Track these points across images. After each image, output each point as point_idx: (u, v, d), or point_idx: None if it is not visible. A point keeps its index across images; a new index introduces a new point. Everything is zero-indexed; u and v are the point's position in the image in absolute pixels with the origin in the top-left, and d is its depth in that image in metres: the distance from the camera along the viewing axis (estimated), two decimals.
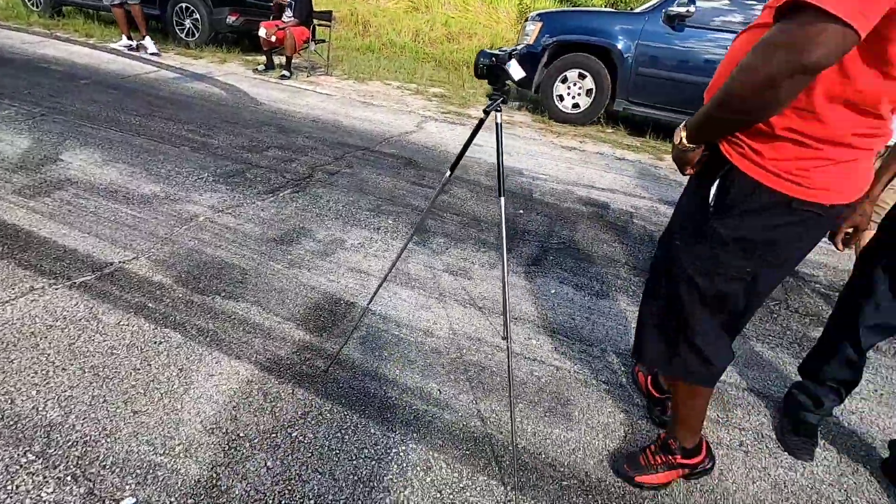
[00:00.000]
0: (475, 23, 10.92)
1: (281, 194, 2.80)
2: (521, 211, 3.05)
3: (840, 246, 1.35)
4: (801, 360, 2.01)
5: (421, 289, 2.13)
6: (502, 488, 1.33)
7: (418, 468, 1.35)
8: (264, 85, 5.26)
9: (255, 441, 1.35)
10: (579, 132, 5.13)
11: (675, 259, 1.14)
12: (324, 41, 6.13)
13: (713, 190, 1.02)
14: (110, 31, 6.76)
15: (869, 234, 1.55)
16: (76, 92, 4.11)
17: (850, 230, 1.35)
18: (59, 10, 7.21)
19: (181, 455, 1.28)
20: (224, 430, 1.37)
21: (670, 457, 1.37)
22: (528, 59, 5.30)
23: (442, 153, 3.86)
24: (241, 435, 1.36)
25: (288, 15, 5.59)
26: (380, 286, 1.61)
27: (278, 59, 6.03)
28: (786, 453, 1.58)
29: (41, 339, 1.58)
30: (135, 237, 2.20)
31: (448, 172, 1.39)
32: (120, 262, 2.02)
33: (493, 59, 1.12)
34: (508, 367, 1.34)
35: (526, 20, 5.59)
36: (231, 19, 6.07)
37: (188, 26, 6.33)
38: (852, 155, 0.92)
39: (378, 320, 1.90)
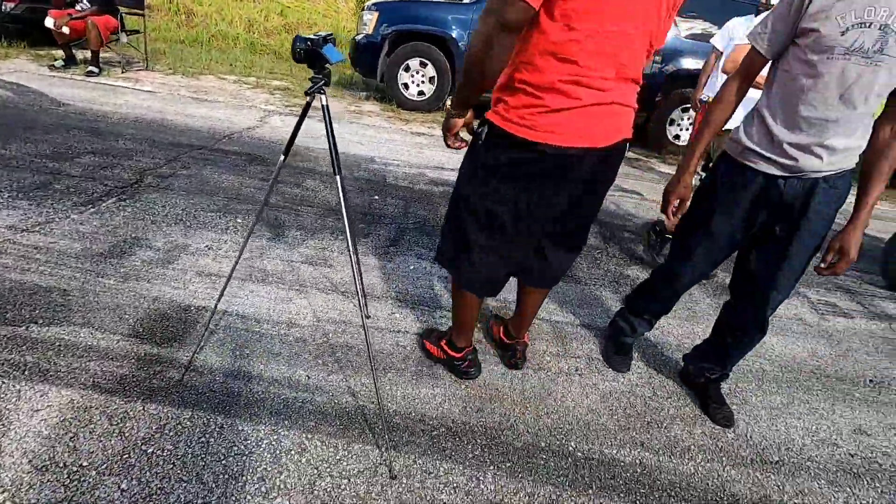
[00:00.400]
0: (314, 13, 10.58)
1: (104, 204, 2.49)
2: (377, 196, 3.12)
3: (670, 217, 1.55)
4: (621, 295, 2.42)
5: (280, 283, 2.10)
6: (377, 451, 1.41)
7: (292, 452, 1.36)
8: (67, 83, 4.52)
9: (103, 467, 1.24)
10: (427, 118, 5.35)
11: (459, 184, 1.45)
12: (138, 32, 5.45)
13: (483, 133, 1.30)
14: None
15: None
16: None
17: (678, 202, 1.53)
18: None
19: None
20: (61, 465, 1.23)
21: (443, 340, 1.74)
22: (370, 48, 5.36)
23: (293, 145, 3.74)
24: (85, 464, 1.24)
25: (83, 3, 4.83)
26: (226, 285, 1.56)
27: (82, 54, 5.21)
28: (610, 370, 1.92)
29: None
30: None
31: (282, 157, 1.40)
32: None
33: (309, 43, 1.16)
34: (366, 334, 1.41)
35: (363, 10, 5.62)
36: (8, 5, 5.07)
37: None
38: (565, 102, 1.16)
39: (236, 320, 1.83)
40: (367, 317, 1.98)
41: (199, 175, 3.00)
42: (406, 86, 5.45)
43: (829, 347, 2.31)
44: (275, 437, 1.40)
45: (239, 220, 2.55)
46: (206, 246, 2.27)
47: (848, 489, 1.55)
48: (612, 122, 1.25)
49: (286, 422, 1.45)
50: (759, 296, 1.53)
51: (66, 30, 4.64)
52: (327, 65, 1.20)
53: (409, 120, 5.17)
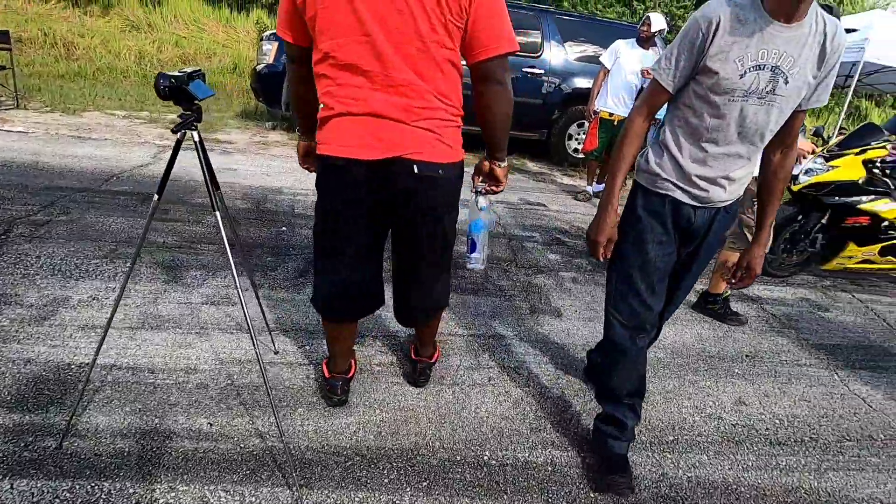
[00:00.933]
0: (213, 42, 10.23)
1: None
2: (284, 228, 3.05)
3: (601, 259, 1.48)
4: (528, 303, 2.53)
5: (177, 328, 1.97)
6: (288, 491, 1.36)
7: None
8: None
9: None
10: None
11: None
12: (4, 68, 4.95)
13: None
14: None
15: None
16: None
17: (606, 242, 1.44)
18: None
19: None
20: None
21: (326, 359, 1.75)
22: (271, 77, 5.27)
23: (189, 183, 3.56)
24: None
25: None
26: (104, 336, 1.44)
27: None
28: (521, 375, 1.99)
29: None
30: None
31: (155, 196, 1.34)
32: None
33: (173, 80, 1.14)
34: (261, 368, 1.37)
35: (261, 40, 5.53)
36: None
37: None
38: (323, 112, 1.28)
39: (125, 374, 1.69)
40: (276, 352, 1.92)
41: (81, 220, 2.76)
42: None
43: (711, 330, 2.58)
44: (172, 494, 1.31)
45: (129, 265, 2.37)
46: (91, 297, 2.09)
47: (731, 456, 1.72)
48: (375, 134, 1.23)
49: (185, 476, 1.36)
50: (667, 314, 1.62)
51: None
52: (196, 101, 1.17)
53: None
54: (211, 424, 1.54)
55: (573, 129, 5.85)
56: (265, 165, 4.30)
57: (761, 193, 1.47)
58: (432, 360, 1.88)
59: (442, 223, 1.42)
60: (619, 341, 1.51)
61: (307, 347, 1.97)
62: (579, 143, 5.90)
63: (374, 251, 1.49)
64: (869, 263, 3.32)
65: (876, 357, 2.56)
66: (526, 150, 6.22)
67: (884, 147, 3.13)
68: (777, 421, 1.94)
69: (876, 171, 3.09)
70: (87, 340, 1.83)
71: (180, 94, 1.14)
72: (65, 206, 2.91)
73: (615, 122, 4.32)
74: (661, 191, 1.40)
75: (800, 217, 3.33)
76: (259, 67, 5.36)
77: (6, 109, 4.95)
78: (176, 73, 1.13)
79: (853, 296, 3.28)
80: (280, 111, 5.51)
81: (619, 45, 4.32)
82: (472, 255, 1.67)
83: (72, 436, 1.42)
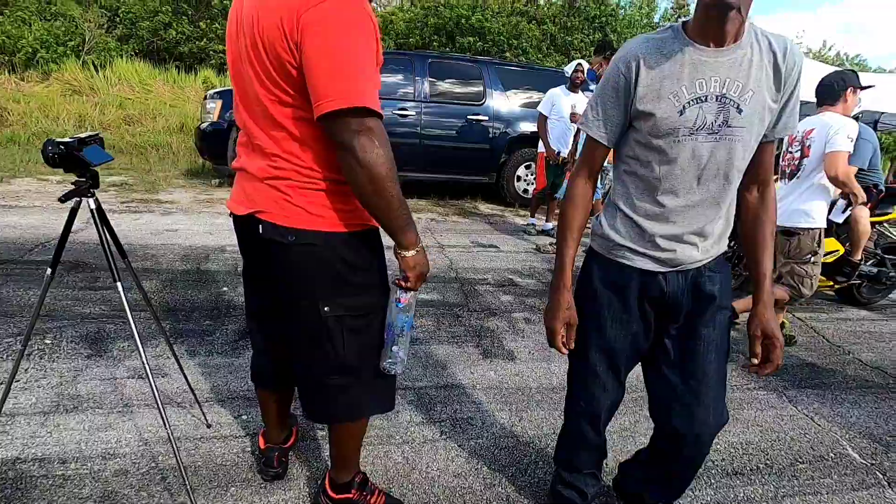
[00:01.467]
0: (160, 103, 10.12)
1: None
2: (226, 287, 2.92)
3: (563, 350, 1.27)
4: (481, 348, 2.48)
5: (97, 408, 1.80)
6: None
7: None
8: None
9: None
10: None
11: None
12: None
13: None
14: None
15: None
16: None
17: (564, 329, 1.25)
18: None
19: None
20: None
21: (262, 429, 1.58)
22: (216, 135, 5.23)
23: (127, 246, 3.38)
24: None
25: None
26: None
27: None
28: (474, 427, 1.92)
29: None
30: None
31: (48, 270, 1.24)
32: None
33: (62, 147, 1.08)
34: (175, 453, 1.24)
35: (205, 99, 5.52)
36: None
37: None
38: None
39: (31, 467, 1.51)
40: (209, 425, 1.77)
41: None
42: None
43: None
44: None
45: (47, 342, 2.19)
46: (0, 381, 1.89)
47: (689, 492, 1.69)
48: (243, 188, 1.18)
49: None
50: (687, 413, 1.23)
51: None
52: (92, 167, 1.11)
53: None
54: None
55: (521, 170, 6.03)
56: (209, 224, 4.17)
57: (746, 243, 1.23)
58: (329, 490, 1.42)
59: (312, 308, 1.14)
60: (581, 429, 1.38)
61: (244, 417, 1.84)
62: (528, 184, 6.08)
63: (271, 314, 1.32)
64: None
65: (820, 374, 2.63)
66: (477, 192, 6.36)
67: None
68: (732, 450, 1.93)
69: None
70: None
71: (71, 161, 1.08)
72: None
73: (559, 162, 4.57)
74: (618, 259, 1.21)
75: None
76: (203, 126, 5.32)
77: None
78: (66, 140, 1.07)
79: (793, 315, 3.42)
80: (227, 168, 5.44)
81: (555, 92, 4.58)
82: (387, 358, 1.24)
83: None
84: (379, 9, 15.79)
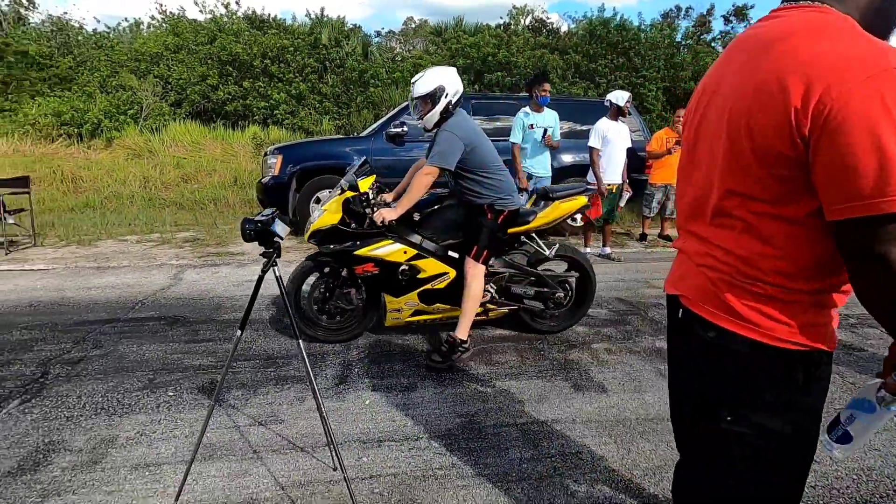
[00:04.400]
0: (212, 159, 10.79)
1: (4, 411, 2.19)
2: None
3: None
4: (570, 381, 2.51)
5: (230, 455, 1.93)
6: None
7: None
8: None
9: None
10: None
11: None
12: (23, 210, 5.18)
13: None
14: None
15: None
16: None
17: None
18: None
19: None
20: None
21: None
22: (278, 188, 5.55)
23: (213, 300, 3.62)
24: None
25: None
26: (186, 475, 1.42)
27: None
28: (588, 463, 1.94)
29: None
30: None
31: (238, 332, 1.39)
32: None
33: (259, 224, 1.23)
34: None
35: (265, 155, 5.88)
36: None
37: None
38: None
39: None
40: (335, 469, 1.86)
41: (114, 352, 2.77)
42: None
43: None
44: None
45: (170, 394, 2.36)
46: (138, 432, 2.05)
47: None
48: (677, 265, 1.09)
49: None
50: None
51: None
52: (276, 238, 1.27)
53: None
54: None
55: None
56: (283, 272, 4.39)
57: None
58: None
59: (715, 414, 0.93)
60: None
61: (364, 459, 1.92)
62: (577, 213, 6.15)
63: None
64: (425, 315, 2.88)
65: None
66: None
67: (364, 181, 2.68)
68: (855, 476, 1.88)
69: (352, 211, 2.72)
70: (142, 481, 1.77)
71: (264, 235, 1.24)
72: (96, 339, 2.93)
73: (612, 190, 4.73)
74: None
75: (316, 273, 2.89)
76: (265, 180, 5.66)
77: (25, 248, 5.10)
78: (260, 217, 1.23)
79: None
80: (288, 217, 5.73)
81: (603, 124, 4.71)
82: (836, 442, 0.96)
83: None
84: (406, 54, 16.55)
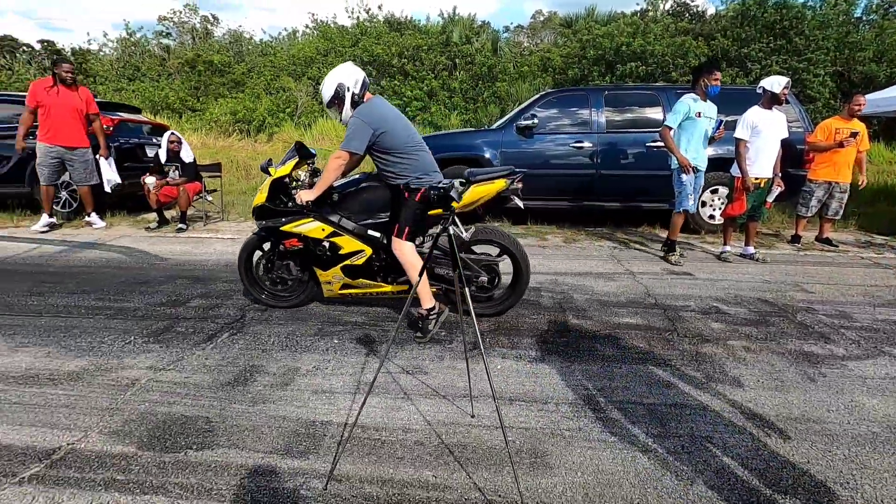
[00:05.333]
0: None
1: (219, 340, 2.83)
2: (448, 307, 3.39)
3: None
4: (702, 372, 2.48)
5: (386, 393, 2.29)
6: None
7: None
8: (163, 241, 5.23)
9: None
10: None
11: None
12: (216, 191, 6.34)
13: None
14: None
15: None
16: None
17: None
18: None
19: None
20: None
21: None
22: None
23: None
24: None
25: (173, 175, 5.72)
26: (364, 401, 1.77)
27: (168, 214, 6.06)
28: (715, 444, 1.95)
29: None
30: (76, 415, 2.09)
31: (419, 278, 1.68)
32: (68, 444, 1.91)
33: (441, 190, 1.51)
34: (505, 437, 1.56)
35: None
36: (115, 183, 6.03)
37: (64, 197, 6.14)
38: None
39: (356, 431, 2.01)
40: (472, 416, 2.12)
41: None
42: None
43: None
44: None
45: (335, 341, 2.83)
46: (314, 367, 2.53)
47: None
48: None
49: None
50: None
51: (155, 195, 5.46)
52: (453, 203, 1.54)
53: None
54: (435, 477, 1.76)
55: (706, 195, 5.73)
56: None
57: None
58: None
59: None
60: None
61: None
62: (714, 210, 5.75)
63: None
64: (352, 289, 3.11)
65: None
66: (655, 219, 6.19)
67: (284, 167, 3.01)
68: None
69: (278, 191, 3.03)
70: (320, 402, 2.21)
71: (446, 200, 1.51)
72: None
73: (761, 185, 4.38)
74: None
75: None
76: None
77: (216, 222, 6.26)
78: (442, 185, 1.51)
79: None
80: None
81: (753, 114, 4.35)
82: None
83: (332, 480, 1.72)
84: (534, 48, 16.49)
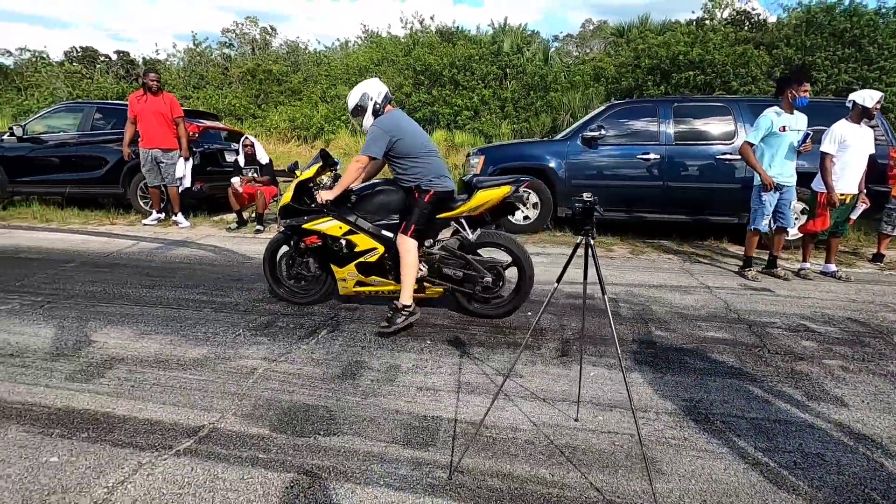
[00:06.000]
0: None
1: (319, 336, 3.02)
2: (530, 313, 3.48)
3: None
4: (801, 390, 2.46)
5: (486, 394, 2.39)
6: None
7: None
8: (244, 241, 5.56)
9: None
10: (535, 239, 5.87)
11: None
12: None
13: None
14: (66, 213, 6.83)
15: None
16: (68, 276, 4.15)
17: None
18: (4, 200, 7.20)
19: None
20: None
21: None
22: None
23: None
24: None
25: (251, 177, 6.08)
26: (491, 405, 1.87)
27: (246, 215, 6.43)
28: (828, 462, 1.95)
29: None
30: (210, 398, 2.30)
31: (556, 284, 1.79)
32: (210, 423, 2.11)
33: (587, 203, 1.62)
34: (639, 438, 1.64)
35: (468, 156, 6.58)
36: (196, 187, 6.47)
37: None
38: None
39: (467, 427, 2.12)
40: (576, 419, 2.20)
41: (379, 304, 3.53)
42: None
43: None
44: None
45: (428, 342, 2.96)
46: (413, 365, 2.67)
47: None
48: None
49: None
50: None
51: (239, 189, 5.83)
52: (595, 215, 1.64)
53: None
54: (551, 475, 1.84)
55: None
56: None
57: None
58: None
59: None
60: None
61: (599, 418, 2.22)
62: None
63: None
64: (366, 286, 3.31)
65: None
66: (721, 233, 6.07)
67: (308, 171, 3.31)
68: None
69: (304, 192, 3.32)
70: (427, 398, 2.34)
71: (588, 213, 1.62)
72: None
73: (846, 201, 4.27)
74: None
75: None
76: (466, 178, 6.34)
77: None
78: (587, 199, 1.61)
79: None
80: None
81: (841, 128, 4.24)
82: None
83: (455, 471, 1.84)
84: (586, 57, 16.40)
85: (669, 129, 5.76)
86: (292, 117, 14.42)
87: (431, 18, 20.49)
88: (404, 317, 3.02)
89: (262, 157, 6.08)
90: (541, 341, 3.02)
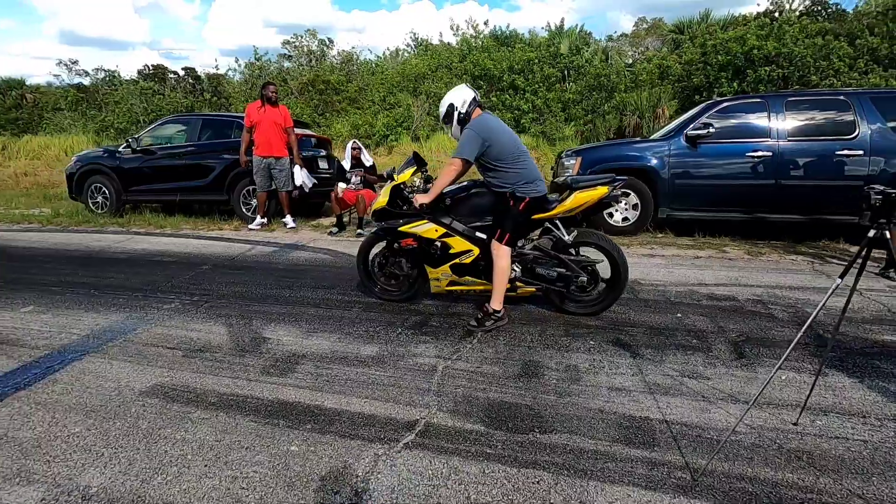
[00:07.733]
0: None
1: (478, 336, 3.04)
2: (679, 315, 3.39)
3: None
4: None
5: (681, 395, 2.33)
6: None
7: None
8: (352, 245, 5.72)
9: None
10: (640, 240, 5.75)
11: None
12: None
13: None
14: (176, 220, 7.20)
15: None
16: (208, 277, 4.38)
17: None
18: (120, 209, 7.62)
19: None
20: None
21: None
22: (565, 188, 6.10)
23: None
24: None
25: (355, 181, 6.27)
26: (745, 412, 1.81)
27: (345, 219, 6.63)
28: None
29: (437, 499, 1.66)
30: (407, 394, 2.35)
31: (839, 280, 1.73)
32: (421, 418, 2.15)
33: (891, 194, 1.56)
34: None
35: (560, 157, 6.52)
36: (296, 193, 6.70)
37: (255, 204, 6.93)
38: None
39: (682, 428, 2.07)
40: (795, 423, 2.11)
41: (523, 305, 3.53)
42: (610, 214, 6.01)
43: None
44: None
45: (591, 343, 2.93)
46: (589, 365, 2.64)
47: None
48: None
49: None
50: None
51: (340, 192, 6.03)
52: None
53: (624, 244, 5.59)
54: (801, 480, 1.76)
55: None
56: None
57: None
58: None
59: None
60: None
61: (819, 422, 2.12)
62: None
63: None
64: (459, 285, 3.37)
65: None
66: (836, 234, 5.75)
67: (404, 174, 3.35)
68: None
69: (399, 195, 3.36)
70: (622, 397, 2.30)
71: (893, 205, 1.56)
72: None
73: None
74: None
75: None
76: (559, 180, 6.28)
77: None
78: (881, 189, 1.55)
79: None
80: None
81: None
82: None
83: (700, 474, 1.79)
84: (651, 55, 16.01)
85: (782, 125, 5.52)
86: (355, 124, 14.76)
87: (485, 24, 20.54)
88: (493, 321, 3.08)
89: (367, 160, 6.26)
90: (707, 343, 2.93)
